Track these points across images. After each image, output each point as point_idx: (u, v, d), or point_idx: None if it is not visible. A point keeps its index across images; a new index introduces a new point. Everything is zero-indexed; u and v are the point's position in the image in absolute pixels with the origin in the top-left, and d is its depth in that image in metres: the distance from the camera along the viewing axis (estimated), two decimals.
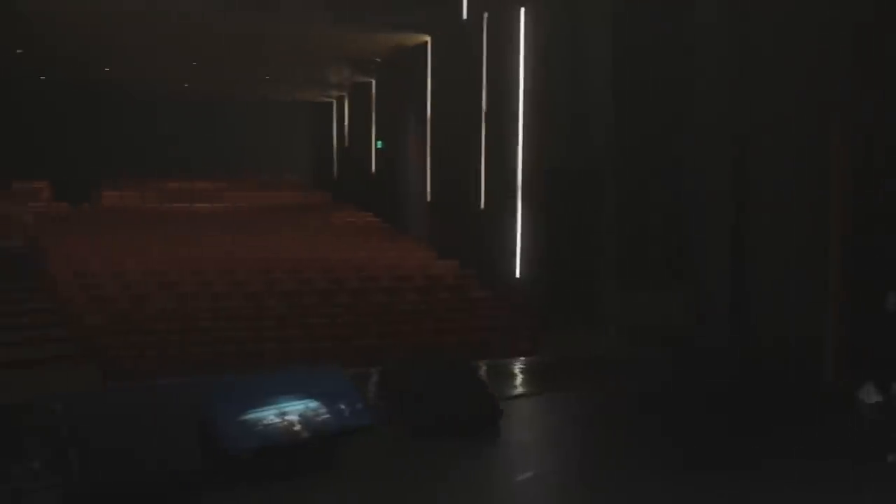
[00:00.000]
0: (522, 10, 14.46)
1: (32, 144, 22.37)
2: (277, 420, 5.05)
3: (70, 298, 12.46)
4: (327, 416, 5.23)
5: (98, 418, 4.71)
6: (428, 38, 18.04)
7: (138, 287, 12.97)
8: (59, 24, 15.74)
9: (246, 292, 13.08)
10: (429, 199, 18.48)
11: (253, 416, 4.99)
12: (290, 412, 5.13)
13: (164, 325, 11.31)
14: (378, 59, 20.13)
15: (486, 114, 15.94)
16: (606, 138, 12.96)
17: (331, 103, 26.22)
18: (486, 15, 15.88)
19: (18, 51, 18.18)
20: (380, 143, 21.80)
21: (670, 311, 11.76)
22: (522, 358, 11.25)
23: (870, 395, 7.18)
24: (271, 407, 5.09)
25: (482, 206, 16.03)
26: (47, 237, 15.73)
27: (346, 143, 25.01)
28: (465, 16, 16.82)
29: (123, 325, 11.28)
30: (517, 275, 14.76)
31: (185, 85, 23.06)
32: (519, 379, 10.17)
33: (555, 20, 13.96)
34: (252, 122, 25.78)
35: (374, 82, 22.21)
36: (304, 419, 5.14)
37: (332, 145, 26.25)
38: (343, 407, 5.30)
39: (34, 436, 5.53)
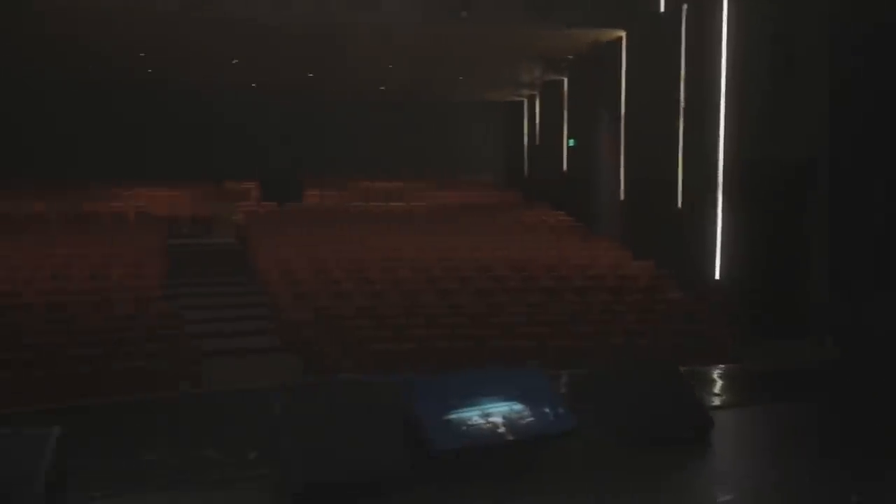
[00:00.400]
0: None
1: (243, 147, 23.86)
2: (481, 421, 5.00)
3: (276, 293, 13.13)
4: (531, 418, 5.13)
5: (309, 412, 4.82)
6: (623, 34, 17.62)
7: (338, 284, 13.48)
8: (277, 35, 16.65)
9: (440, 290, 13.27)
10: (622, 197, 18.05)
11: (457, 415, 4.97)
12: (493, 413, 5.07)
13: (363, 321, 11.65)
14: (570, 57, 19.89)
15: (683, 108, 15.36)
16: (819, 129, 12.11)
17: (521, 102, 26.21)
18: (685, 6, 15.30)
19: (234, 60, 19.44)
20: (571, 142, 21.54)
21: (892, 315, 10.81)
22: (723, 365, 10.67)
23: None
24: (475, 407, 5.05)
25: (679, 203, 15.46)
26: (256, 235, 16.68)
27: (537, 142, 24.91)
28: (662, 9, 16.30)
29: (325, 320, 11.73)
30: (717, 276, 14.11)
31: (382, 88, 23.80)
32: (720, 387, 9.64)
33: (762, 5, 13.21)
34: (444, 123, 26.23)
35: (565, 80, 21.97)
36: (509, 421, 5.06)
37: (522, 144, 26.24)
38: (547, 410, 5.18)
39: (250, 425, 5.80)
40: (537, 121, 24.92)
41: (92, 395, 8.25)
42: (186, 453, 5.78)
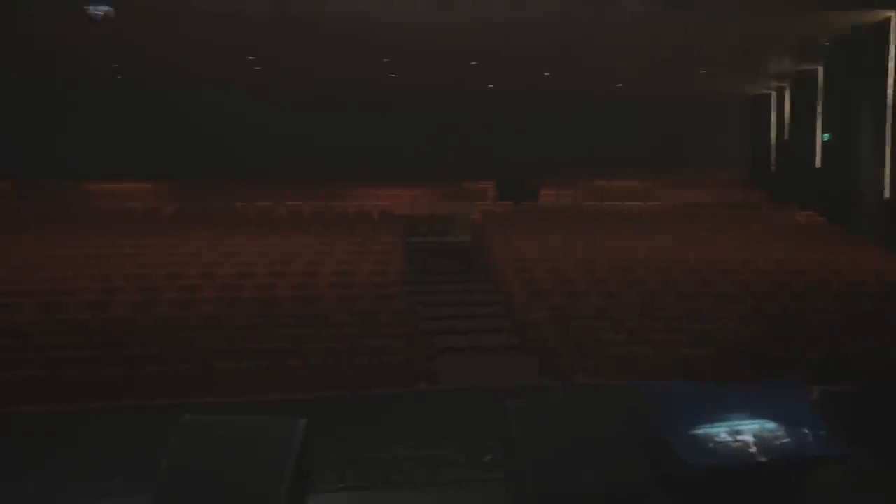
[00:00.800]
0: None
1: (480, 146, 24.28)
2: (730, 439, 4.60)
3: (511, 292, 13.15)
4: (787, 439, 4.65)
5: (544, 417, 4.67)
6: (890, 14, 15.96)
7: (573, 284, 13.27)
8: (514, 34, 16.73)
9: (679, 292, 12.69)
10: (887, 195, 16.38)
11: (703, 431, 4.61)
12: (744, 432, 4.64)
13: (599, 322, 11.36)
14: (826, 43, 18.35)
15: None
16: None
17: (768, 95, 24.61)
18: None
19: (472, 63, 19.77)
20: (826, 136, 19.88)
21: None
22: None
23: None
24: (723, 423, 4.66)
25: None
26: (492, 233, 16.85)
27: (786, 137, 23.27)
28: None
29: (560, 320, 11.56)
30: None
31: (619, 85, 23.27)
32: None
33: None
34: (683, 119, 25.20)
35: (820, 69, 20.33)
36: (761, 441, 4.62)
37: (769, 139, 24.63)
38: (805, 431, 4.68)
39: (485, 426, 5.74)
40: (786, 114, 23.29)
41: (334, 388, 8.61)
42: (422, 451, 5.84)
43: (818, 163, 20.36)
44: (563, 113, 24.60)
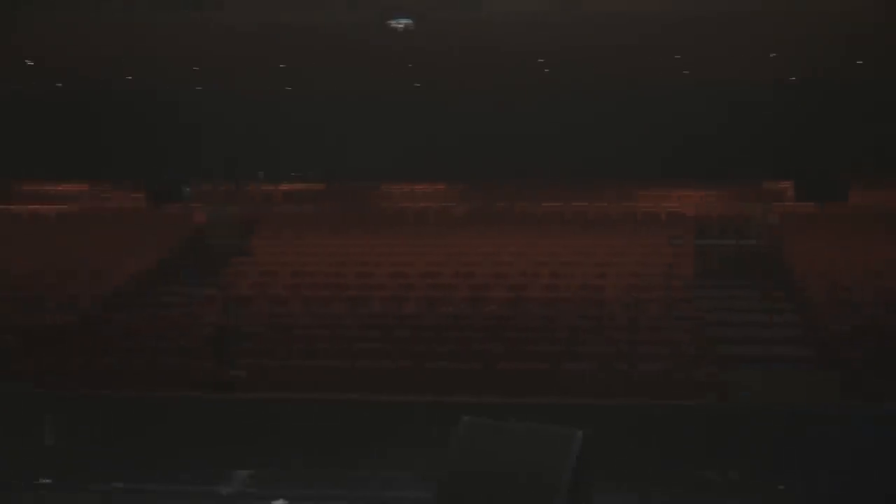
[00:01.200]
0: None
1: (777, 143, 22.68)
2: None
3: (811, 300, 12.16)
4: None
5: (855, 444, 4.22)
6: None
7: (890, 293, 11.96)
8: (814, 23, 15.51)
9: None
10: None
11: None
12: None
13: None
14: None
15: None
16: None
17: None
18: None
19: (772, 54, 18.54)
20: None
21: None
22: None
23: None
24: None
25: None
26: (790, 236, 15.75)
27: None
28: None
29: (870, 334, 10.46)
30: None
31: None
32: None
33: None
34: None
35: None
36: None
37: None
38: None
39: (775, 448, 5.32)
40: None
41: (613, 394, 8.40)
42: (702, 469, 5.52)
43: None
44: (878, 103, 22.22)
